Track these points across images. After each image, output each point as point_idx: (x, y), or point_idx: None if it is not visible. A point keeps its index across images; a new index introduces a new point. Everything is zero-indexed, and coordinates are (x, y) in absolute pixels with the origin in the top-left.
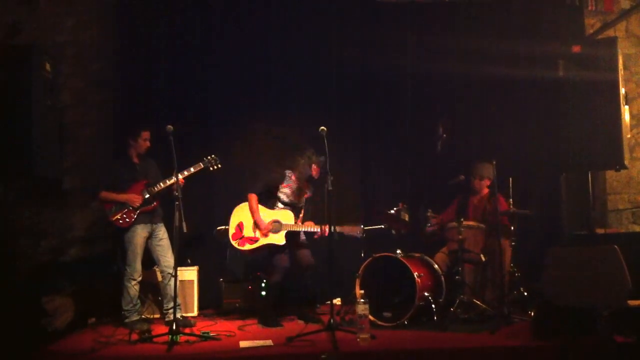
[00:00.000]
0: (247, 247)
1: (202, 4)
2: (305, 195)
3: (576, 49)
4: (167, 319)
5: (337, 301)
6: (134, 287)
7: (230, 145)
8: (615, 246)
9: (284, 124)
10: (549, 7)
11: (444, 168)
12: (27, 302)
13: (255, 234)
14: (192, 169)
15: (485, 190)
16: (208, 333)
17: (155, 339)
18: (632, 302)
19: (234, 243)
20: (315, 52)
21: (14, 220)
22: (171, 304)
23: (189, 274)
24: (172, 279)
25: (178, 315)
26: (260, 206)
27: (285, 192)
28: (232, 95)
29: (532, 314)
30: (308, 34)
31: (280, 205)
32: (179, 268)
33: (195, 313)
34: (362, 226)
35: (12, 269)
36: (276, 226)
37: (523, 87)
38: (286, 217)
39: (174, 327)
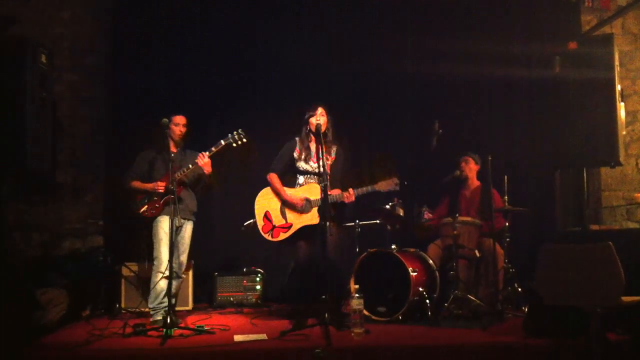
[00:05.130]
0: (282, 236)
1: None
2: (329, 160)
3: (572, 45)
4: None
5: None
6: (160, 283)
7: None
8: (610, 243)
9: (283, 123)
10: (545, 3)
11: (439, 164)
12: (20, 295)
13: (287, 220)
14: (213, 149)
15: (476, 183)
16: (202, 327)
17: (149, 333)
18: (626, 299)
19: (266, 236)
20: (314, 52)
21: (6, 214)
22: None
23: None
24: (168, 277)
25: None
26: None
27: (300, 157)
28: (230, 92)
29: (526, 310)
30: (308, 34)
31: (301, 179)
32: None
33: (189, 307)
34: (395, 179)
35: (5, 262)
36: (306, 205)
37: (519, 83)
38: (314, 192)
39: (169, 321)
